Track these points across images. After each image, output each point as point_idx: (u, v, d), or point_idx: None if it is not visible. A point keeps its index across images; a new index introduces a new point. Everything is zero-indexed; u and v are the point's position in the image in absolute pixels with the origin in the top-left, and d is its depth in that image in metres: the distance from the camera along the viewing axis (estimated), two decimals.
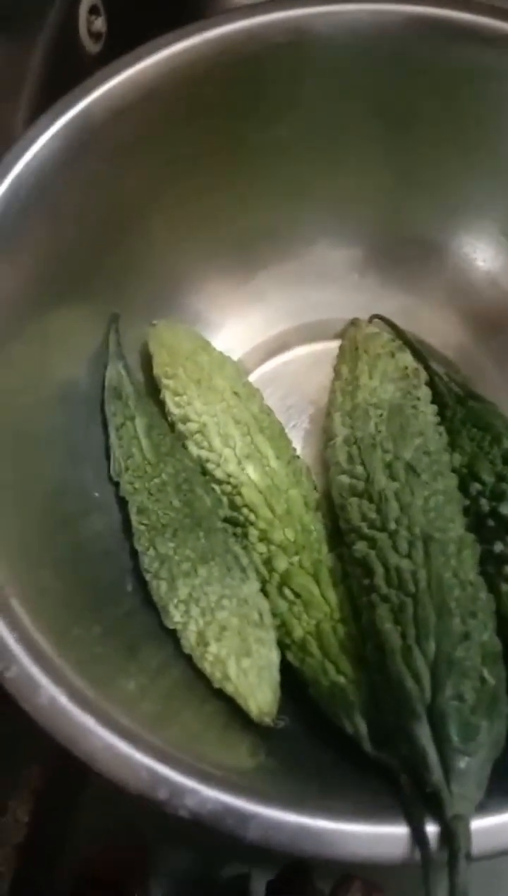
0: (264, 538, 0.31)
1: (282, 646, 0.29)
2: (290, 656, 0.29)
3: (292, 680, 0.29)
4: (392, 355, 0.36)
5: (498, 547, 0.27)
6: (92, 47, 0.37)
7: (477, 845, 0.21)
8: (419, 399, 0.34)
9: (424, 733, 0.22)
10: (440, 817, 0.21)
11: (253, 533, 0.32)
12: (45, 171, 0.29)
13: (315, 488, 0.34)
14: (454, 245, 0.38)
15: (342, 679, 0.26)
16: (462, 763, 0.21)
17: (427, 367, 0.36)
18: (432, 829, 0.21)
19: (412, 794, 0.22)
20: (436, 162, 0.35)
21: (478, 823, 0.21)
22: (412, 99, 0.34)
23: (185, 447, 0.34)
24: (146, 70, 0.30)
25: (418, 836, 0.21)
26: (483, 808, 0.21)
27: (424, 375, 0.36)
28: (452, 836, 0.20)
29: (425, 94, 0.33)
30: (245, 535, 0.32)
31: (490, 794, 0.22)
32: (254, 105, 0.33)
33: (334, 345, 0.39)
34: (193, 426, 0.33)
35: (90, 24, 0.36)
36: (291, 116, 0.34)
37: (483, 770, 0.22)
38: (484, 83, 0.33)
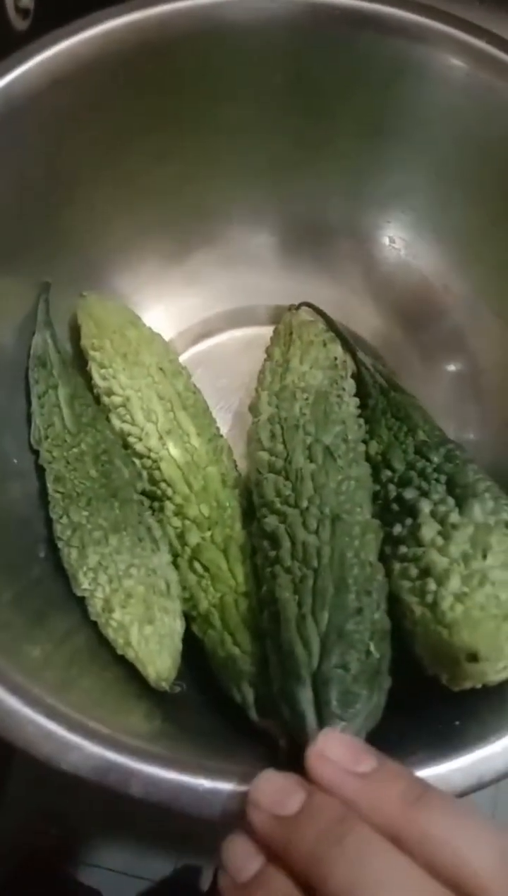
0: (180, 513, 0.32)
1: (189, 618, 0.30)
2: (195, 628, 0.30)
3: (197, 652, 0.30)
4: (324, 344, 0.37)
5: (398, 529, 0.28)
6: (20, 24, 0.37)
7: None
8: (344, 389, 0.35)
9: (306, 697, 0.23)
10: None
11: (169, 507, 0.32)
12: None
13: (235, 468, 0.34)
14: (383, 238, 0.39)
15: (236, 650, 0.27)
16: (338, 727, 0.22)
17: (355, 357, 0.37)
18: None
19: (288, 758, 0.23)
20: (355, 152, 0.36)
21: None
22: (332, 91, 0.35)
23: (108, 420, 0.34)
24: (83, 42, 0.30)
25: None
26: None
27: (351, 367, 0.37)
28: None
29: (344, 85, 0.34)
30: (161, 510, 0.32)
31: None
32: (188, 86, 0.33)
33: (266, 330, 0.39)
34: (117, 399, 0.34)
35: (17, 1, 0.36)
36: (225, 105, 0.35)
37: (357, 737, 0.22)
38: (402, 76, 0.34)
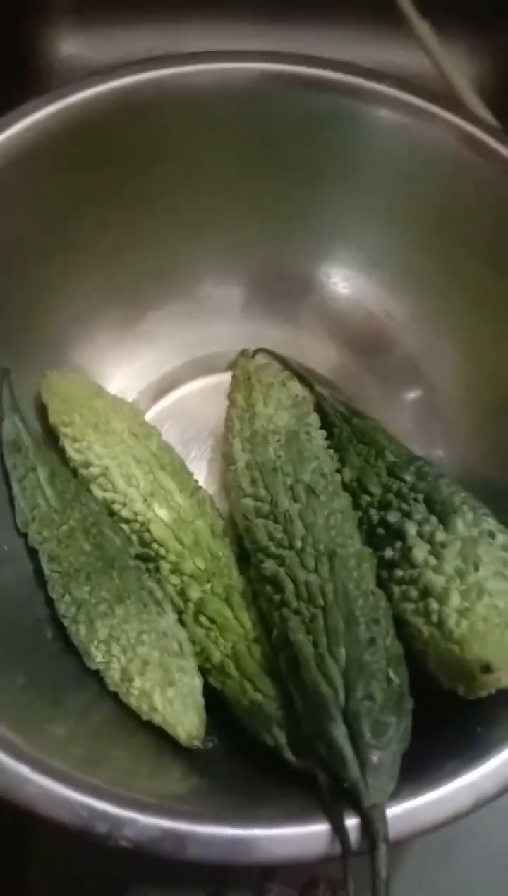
0: (176, 570, 0.33)
1: (203, 671, 0.31)
2: (211, 680, 0.31)
3: (216, 702, 0.31)
4: (283, 384, 0.38)
5: (388, 553, 0.30)
6: None
7: (394, 829, 0.23)
8: (310, 425, 0.37)
9: (340, 733, 0.24)
10: (358, 809, 0.23)
11: (165, 566, 0.33)
12: None
13: (220, 516, 0.36)
14: (323, 275, 0.41)
15: (259, 696, 0.28)
16: (374, 757, 0.23)
17: (313, 391, 0.39)
18: (351, 821, 0.23)
19: (330, 792, 0.24)
20: (300, 201, 0.38)
21: (393, 810, 0.23)
22: (273, 145, 0.37)
23: (89, 491, 0.35)
24: (15, 135, 0.31)
25: (338, 829, 0.23)
26: (395, 795, 0.24)
27: (311, 401, 0.39)
28: (370, 823, 0.22)
29: (284, 140, 0.36)
30: (157, 570, 0.33)
31: (401, 783, 0.24)
32: (127, 158, 0.35)
33: (224, 377, 0.41)
34: (95, 470, 0.34)
35: None
36: (163, 166, 0.36)
37: (394, 762, 0.24)
38: (338, 128, 0.36)
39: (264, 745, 0.28)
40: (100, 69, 0.33)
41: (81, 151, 0.33)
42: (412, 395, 0.41)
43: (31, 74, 0.49)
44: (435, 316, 0.39)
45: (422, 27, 0.44)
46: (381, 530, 0.31)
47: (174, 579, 0.33)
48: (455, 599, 0.25)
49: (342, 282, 0.41)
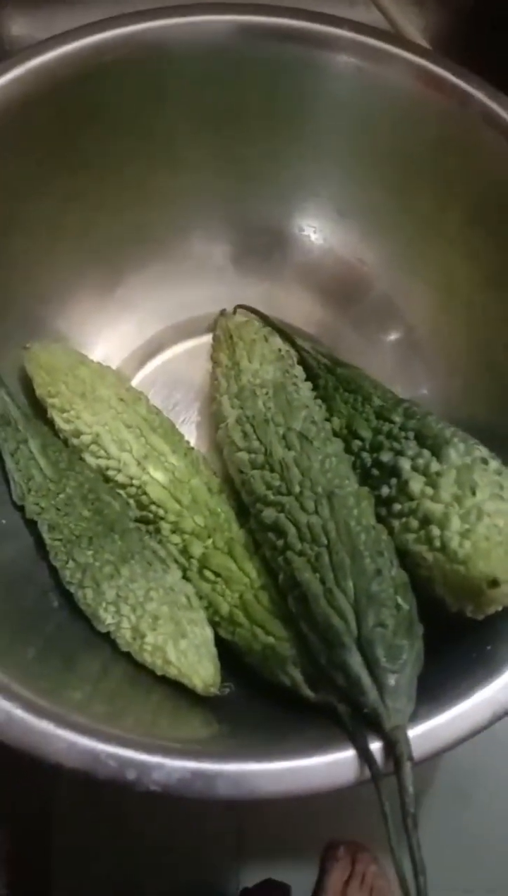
0: (177, 529, 0.33)
1: (213, 624, 0.31)
2: (222, 632, 0.31)
3: (226, 653, 0.31)
4: (266, 339, 0.38)
5: (385, 490, 0.30)
6: None
7: (416, 749, 0.23)
8: (296, 377, 0.37)
9: (356, 661, 0.24)
10: (380, 733, 0.24)
11: (165, 527, 0.33)
12: None
13: (215, 474, 0.36)
14: (294, 228, 0.41)
15: (271, 639, 0.28)
16: (392, 681, 0.24)
17: (295, 345, 0.39)
18: (375, 745, 0.24)
19: (352, 720, 0.24)
20: (269, 153, 0.38)
21: (413, 731, 0.24)
22: (241, 96, 0.37)
23: (83, 460, 0.35)
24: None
25: (364, 753, 0.23)
26: (414, 717, 0.24)
27: (294, 355, 0.39)
28: (394, 744, 0.23)
29: (252, 91, 0.36)
30: (158, 531, 0.33)
31: (419, 706, 0.25)
32: (95, 120, 0.35)
33: (206, 339, 0.41)
34: (86, 438, 0.34)
35: None
36: (131, 127, 0.36)
37: (410, 685, 0.24)
38: (300, 76, 0.36)
39: (281, 687, 0.28)
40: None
41: (48, 115, 0.33)
42: (391, 337, 0.41)
43: None
44: (407, 258, 0.39)
45: None
46: (376, 471, 0.32)
47: (175, 538, 0.33)
48: (455, 523, 0.26)
49: (314, 233, 0.41)
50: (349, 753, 0.24)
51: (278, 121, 0.37)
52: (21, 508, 0.34)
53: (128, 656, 0.30)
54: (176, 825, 0.53)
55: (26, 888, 0.46)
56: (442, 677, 0.26)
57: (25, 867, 0.48)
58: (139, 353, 0.41)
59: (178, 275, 0.41)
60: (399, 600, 0.26)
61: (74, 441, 0.35)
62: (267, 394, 0.34)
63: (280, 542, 0.29)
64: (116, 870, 0.52)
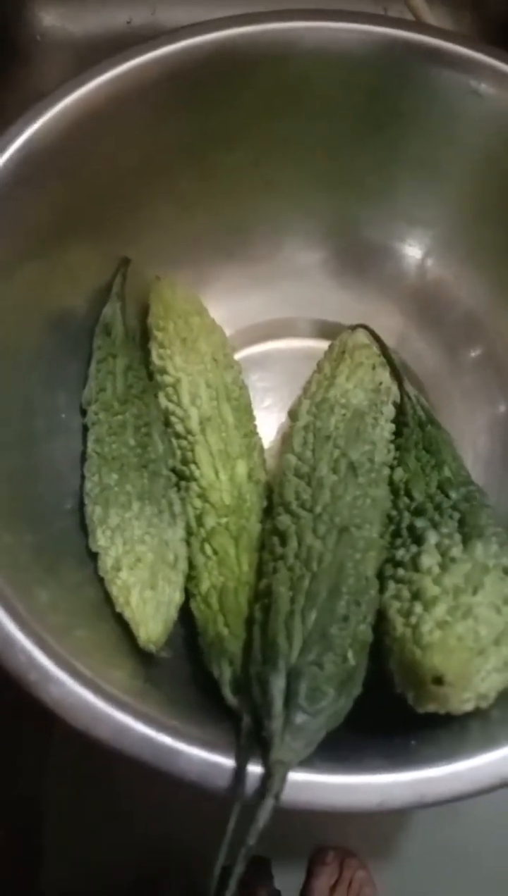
0: (202, 496, 0.34)
1: (190, 595, 0.32)
2: (193, 605, 0.31)
3: (192, 630, 0.31)
4: (373, 368, 0.38)
5: (401, 553, 0.29)
6: None
7: (290, 794, 0.23)
8: (381, 413, 0.36)
9: (278, 685, 0.24)
10: (264, 759, 0.23)
11: (194, 488, 0.34)
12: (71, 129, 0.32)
13: (264, 467, 0.36)
14: (395, 245, 0.42)
15: (225, 630, 0.29)
16: (300, 719, 0.24)
17: (401, 386, 0.39)
18: (256, 770, 0.23)
19: (248, 736, 0.24)
20: (387, 169, 0.38)
21: (297, 776, 0.23)
22: (372, 114, 0.36)
23: (156, 397, 0.36)
24: (165, 56, 0.32)
25: (239, 769, 0.23)
26: (307, 765, 0.24)
27: (394, 394, 0.38)
28: (269, 775, 0.23)
29: (383, 110, 0.36)
30: (187, 489, 0.34)
31: (320, 758, 0.24)
32: (228, 104, 0.35)
33: (322, 344, 0.41)
34: (168, 379, 0.36)
35: None
36: (259, 120, 0.36)
37: (317, 732, 0.24)
38: (435, 104, 0.35)
39: (212, 679, 0.28)
40: (81, 40, 0.34)
41: (185, 95, 0.34)
42: (473, 354, 0.41)
43: (13, 46, 0.50)
44: (502, 286, 0.39)
45: None
46: (406, 532, 0.31)
47: (197, 503, 0.33)
48: (439, 610, 0.25)
49: (414, 252, 0.41)
50: (229, 762, 0.24)
51: (403, 139, 0.37)
52: (83, 413, 0.35)
53: (101, 582, 0.31)
54: (170, 817, 0.56)
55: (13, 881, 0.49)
56: (360, 744, 0.25)
57: (13, 860, 0.51)
58: (256, 331, 0.42)
59: (308, 275, 0.42)
60: (350, 654, 0.25)
61: (158, 377, 0.36)
62: (344, 415, 0.34)
63: (279, 550, 0.29)
64: (107, 861, 0.55)
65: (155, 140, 0.35)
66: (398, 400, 0.38)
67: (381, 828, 0.60)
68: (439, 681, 0.23)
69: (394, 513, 0.32)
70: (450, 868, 0.58)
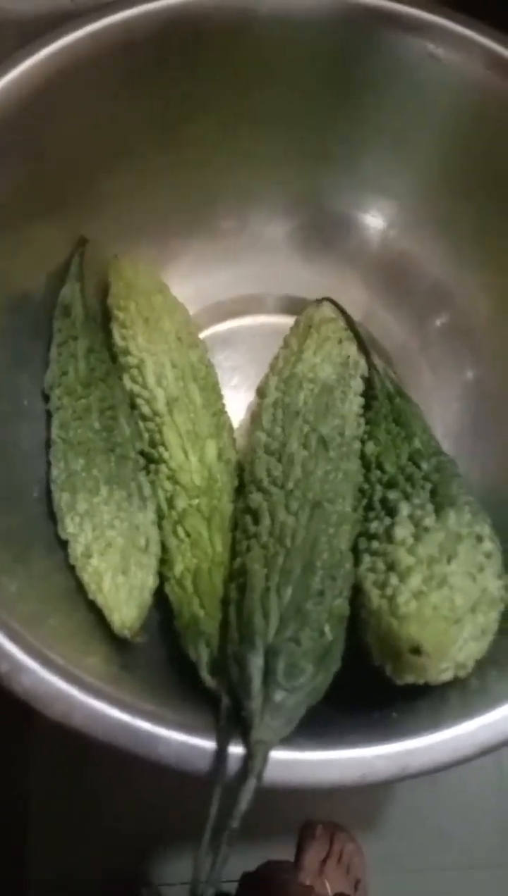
0: (172, 478, 0.33)
1: (163, 579, 0.31)
2: (168, 588, 0.31)
3: (167, 614, 0.31)
4: (340, 342, 0.38)
5: (375, 526, 0.29)
6: None
7: (272, 773, 0.23)
8: (349, 387, 0.36)
9: (256, 663, 0.24)
10: (245, 740, 0.23)
11: (163, 471, 0.33)
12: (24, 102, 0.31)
13: (234, 446, 0.35)
14: (360, 214, 0.41)
15: (201, 612, 0.28)
16: (279, 696, 0.23)
17: (368, 359, 0.38)
18: (237, 751, 0.23)
19: (228, 717, 0.24)
20: (350, 138, 0.37)
21: (279, 754, 0.23)
22: (335, 83, 0.36)
23: (120, 379, 0.35)
24: (128, 20, 0.31)
25: (219, 751, 0.22)
26: (289, 743, 0.23)
27: (362, 368, 0.38)
28: (251, 756, 0.22)
29: (346, 78, 0.35)
30: (156, 472, 0.33)
31: (301, 736, 0.24)
32: (193, 74, 0.34)
33: (288, 320, 0.40)
34: (132, 360, 0.35)
35: None
36: (220, 85, 0.35)
37: (296, 709, 0.24)
38: (397, 71, 0.34)
39: (190, 662, 0.28)
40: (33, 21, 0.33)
41: (188, 57, 0.33)
42: (440, 322, 0.41)
43: None
44: (468, 252, 0.38)
45: None
46: (378, 505, 0.31)
47: (168, 485, 0.33)
48: (414, 581, 0.25)
49: (379, 222, 0.41)
50: (208, 744, 0.23)
51: (368, 108, 0.36)
52: (46, 398, 0.35)
53: (72, 571, 0.31)
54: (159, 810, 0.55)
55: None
56: (339, 719, 0.25)
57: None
58: (219, 309, 0.42)
59: (274, 251, 0.42)
60: (327, 628, 0.25)
61: (121, 359, 0.36)
62: (312, 390, 0.34)
63: (252, 529, 0.29)
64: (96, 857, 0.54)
65: (114, 112, 0.34)
66: (367, 374, 0.38)
67: (366, 800, 0.61)
68: (416, 651, 0.23)
69: (366, 486, 0.32)
70: (436, 837, 0.59)
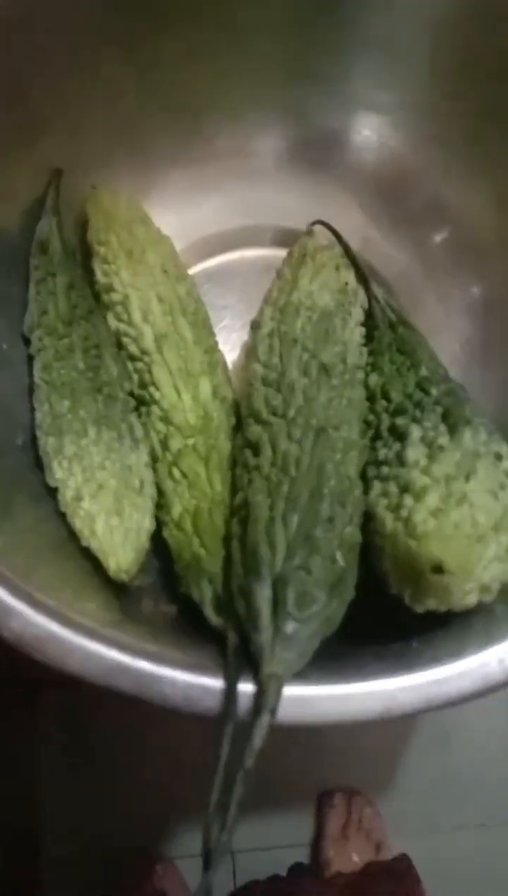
0: (165, 419, 0.31)
1: (161, 523, 0.29)
2: (166, 533, 0.29)
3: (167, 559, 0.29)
4: (337, 268, 0.36)
5: (383, 452, 0.27)
6: None
7: (286, 710, 0.21)
8: (350, 315, 0.34)
9: (264, 594, 0.22)
10: (256, 675, 0.21)
11: (156, 412, 0.31)
12: None
13: (229, 381, 0.33)
14: (352, 127, 0.38)
15: (202, 551, 0.26)
16: (290, 628, 0.21)
17: (367, 288, 0.36)
18: (247, 688, 0.21)
19: (236, 653, 0.22)
20: (335, 48, 0.35)
21: (293, 690, 0.21)
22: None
23: (105, 318, 0.33)
24: None
25: (228, 688, 0.21)
26: (303, 677, 0.21)
27: (361, 297, 0.36)
28: (263, 691, 0.20)
29: None
30: (148, 414, 0.31)
31: (315, 670, 0.22)
32: None
33: (280, 253, 0.38)
34: (116, 296, 0.33)
35: None
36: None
37: (310, 641, 0.22)
38: None
39: (193, 604, 0.26)
40: None
41: None
42: (440, 237, 0.39)
43: None
44: (464, 159, 0.36)
45: None
46: (387, 432, 0.29)
47: (161, 427, 0.31)
48: (431, 499, 0.23)
49: (372, 134, 0.38)
50: (216, 682, 0.21)
51: (355, 18, 0.34)
52: (27, 342, 0.32)
53: (63, 519, 0.29)
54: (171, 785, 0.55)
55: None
56: (357, 653, 0.23)
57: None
58: (207, 244, 0.39)
59: (262, 178, 0.39)
60: (338, 555, 0.23)
61: (105, 296, 0.33)
62: (310, 318, 0.32)
63: (253, 462, 0.27)
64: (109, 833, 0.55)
65: (84, 28, 0.31)
66: (366, 305, 0.36)
67: (379, 763, 0.60)
68: (439, 569, 0.21)
69: (372, 417, 0.30)
70: (451, 796, 0.60)
